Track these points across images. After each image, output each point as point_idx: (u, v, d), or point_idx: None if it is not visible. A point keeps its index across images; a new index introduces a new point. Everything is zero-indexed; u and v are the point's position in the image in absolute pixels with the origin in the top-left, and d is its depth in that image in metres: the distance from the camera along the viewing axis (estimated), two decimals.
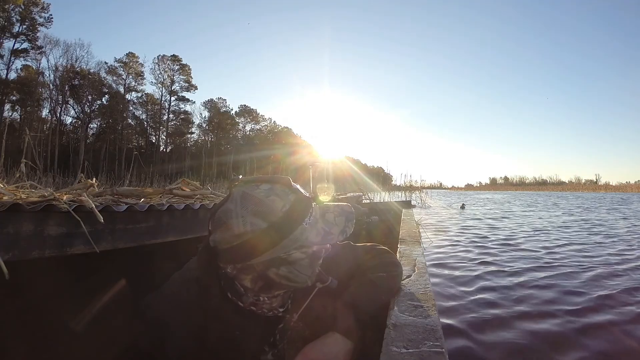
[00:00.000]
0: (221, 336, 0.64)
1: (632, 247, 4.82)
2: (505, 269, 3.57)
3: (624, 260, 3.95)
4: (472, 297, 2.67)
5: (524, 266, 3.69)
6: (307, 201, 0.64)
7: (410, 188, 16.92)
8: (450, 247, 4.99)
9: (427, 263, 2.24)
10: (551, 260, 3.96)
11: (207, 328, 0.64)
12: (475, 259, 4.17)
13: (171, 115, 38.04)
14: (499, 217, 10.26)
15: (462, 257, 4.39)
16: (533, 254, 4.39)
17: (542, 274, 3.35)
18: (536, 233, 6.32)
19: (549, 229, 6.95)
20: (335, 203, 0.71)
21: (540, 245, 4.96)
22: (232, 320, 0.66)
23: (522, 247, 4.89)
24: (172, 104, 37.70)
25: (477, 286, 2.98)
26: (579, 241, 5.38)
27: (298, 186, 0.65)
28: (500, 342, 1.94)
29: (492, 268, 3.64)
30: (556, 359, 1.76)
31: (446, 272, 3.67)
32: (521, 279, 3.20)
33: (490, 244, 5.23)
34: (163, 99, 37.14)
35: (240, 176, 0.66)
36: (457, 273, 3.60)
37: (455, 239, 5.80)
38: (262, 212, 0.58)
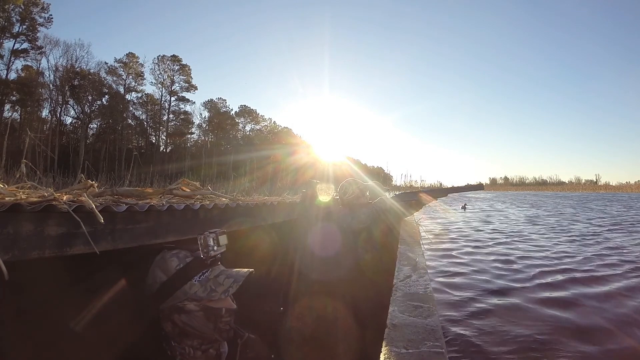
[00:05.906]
0: None
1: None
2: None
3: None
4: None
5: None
6: (200, 264, 0.82)
7: (410, 188, 16.93)
8: (447, 241, 5.12)
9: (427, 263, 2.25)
10: None
11: None
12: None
13: (171, 116, 38.02)
14: (496, 216, 10.78)
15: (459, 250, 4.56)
16: None
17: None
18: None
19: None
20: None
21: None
22: None
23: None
24: (172, 104, 37.66)
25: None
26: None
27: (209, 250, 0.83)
28: None
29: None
30: None
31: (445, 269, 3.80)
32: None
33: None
34: (163, 99, 37.11)
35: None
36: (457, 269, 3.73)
37: (452, 235, 5.93)
38: (163, 268, 0.82)
